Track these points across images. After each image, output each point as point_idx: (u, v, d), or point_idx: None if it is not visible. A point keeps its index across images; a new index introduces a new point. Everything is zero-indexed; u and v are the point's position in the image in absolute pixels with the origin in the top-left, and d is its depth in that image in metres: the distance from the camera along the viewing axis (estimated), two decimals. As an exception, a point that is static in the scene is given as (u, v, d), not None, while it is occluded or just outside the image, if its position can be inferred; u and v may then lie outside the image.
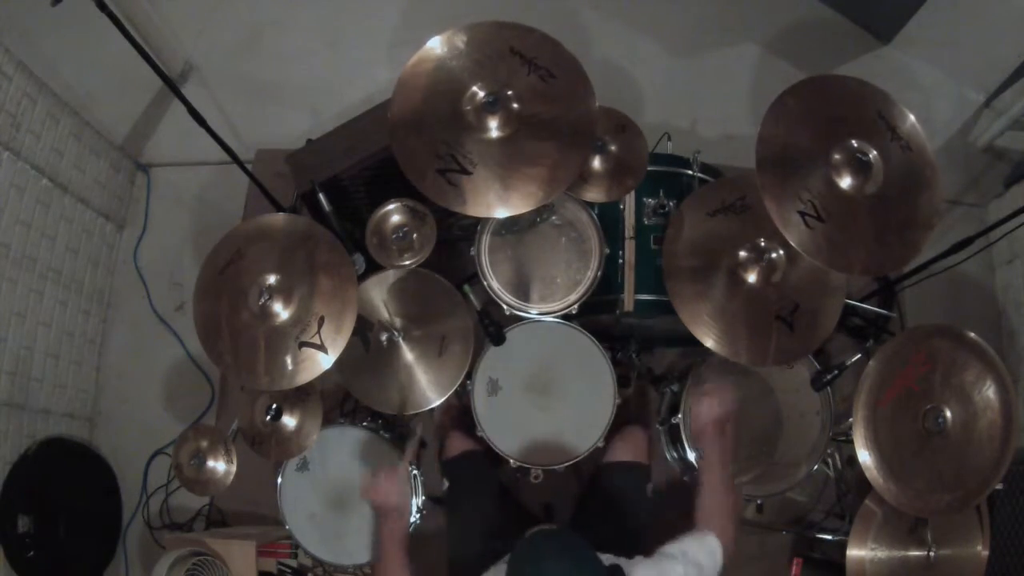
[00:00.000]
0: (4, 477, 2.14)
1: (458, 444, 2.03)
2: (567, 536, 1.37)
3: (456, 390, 1.96)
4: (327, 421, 1.99)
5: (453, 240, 2.28)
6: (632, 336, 2.29)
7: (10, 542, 2.10)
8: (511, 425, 1.94)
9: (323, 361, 1.71)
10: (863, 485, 1.89)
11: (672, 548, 1.47)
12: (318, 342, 1.70)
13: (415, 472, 2.01)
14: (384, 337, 1.95)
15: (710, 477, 1.63)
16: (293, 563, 2.21)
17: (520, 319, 1.99)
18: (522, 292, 1.99)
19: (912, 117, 1.78)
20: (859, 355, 1.93)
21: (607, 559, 1.39)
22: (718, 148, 2.60)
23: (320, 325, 1.71)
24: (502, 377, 1.98)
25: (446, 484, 2.02)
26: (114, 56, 2.32)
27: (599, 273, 1.97)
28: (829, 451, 2.02)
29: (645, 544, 1.49)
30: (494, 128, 1.72)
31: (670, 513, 2.20)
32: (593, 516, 1.99)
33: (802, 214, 1.64)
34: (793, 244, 1.64)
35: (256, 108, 2.88)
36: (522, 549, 1.36)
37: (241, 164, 2.13)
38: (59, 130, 2.42)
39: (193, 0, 3.05)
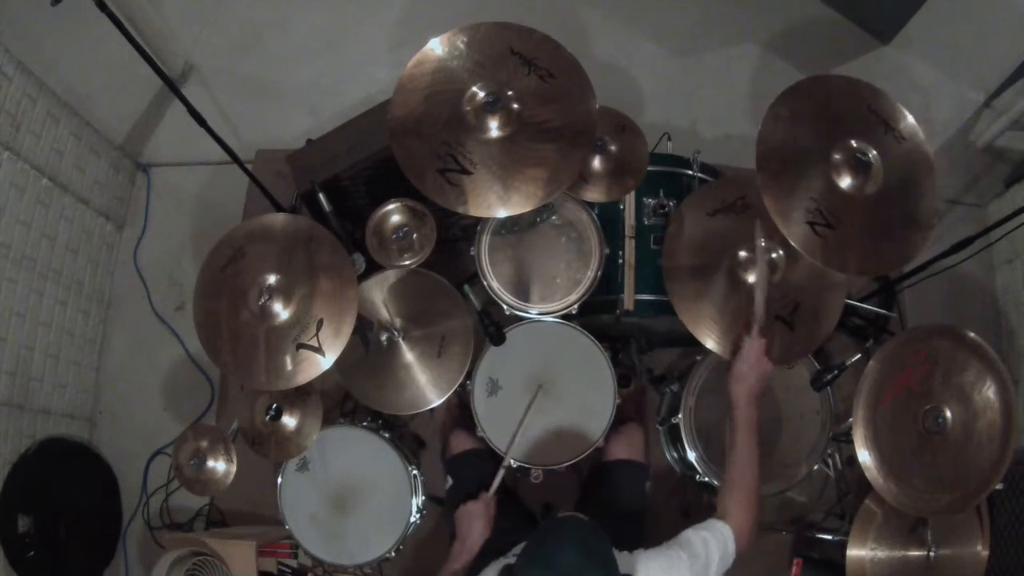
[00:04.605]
0: (4, 477, 2.14)
1: (460, 443, 2.04)
2: (594, 532, 1.35)
3: (456, 390, 1.96)
4: (327, 421, 1.99)
5: (453, 240, 2.28)
6: (632, 336, 2.29)
7: (10, 542, 2.10)
8: (511, 425, 1.94)
9: (321, 363, 1.71)
10: (863, 485, 1.88)
11: (680, 537, 1.46)
12: (316, 344, 1.70)
13: (415, 472, 2.01)
14: (384, 337, 1.95)
15: (737, 451, 1.60)
16: (293, 563, 2.21)
17: (520, 319, 1.99)
18: (522, 292, 1.99)
19: (905, 110, 1.78)
20: (859, 355, 1.93)
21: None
22: (718, 148, 2.60)
23: (319, 327, 1.71)
24: (502, 377, 1.98)
25: (449, 482, 2.02)
26: (114, 56, 2.33)
27: (599, 273, 1.97)
28: (829, 451, 2.02)
29: (643, 540, 1.49)
30: (494, 128, 1.72)
31: (667, 510, 2.25)
32: (593, 512, 1.99)
33: (811, 224, 1.64)
34: (794, 245, 1.64)
35: (256, 108, 2.88)
36: (548, 528, 1.35)
37: (241, 164, 2.13)
38: (59, 130, 2.42)
39: (193, 0, 3.06)
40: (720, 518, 1.50)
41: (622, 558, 1.39)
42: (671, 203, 2.06)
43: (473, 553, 1.71)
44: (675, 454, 2.25)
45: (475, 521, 1.75)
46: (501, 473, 1.85)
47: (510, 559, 1.43)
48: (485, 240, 2.00)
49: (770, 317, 1.84)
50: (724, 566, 1.45)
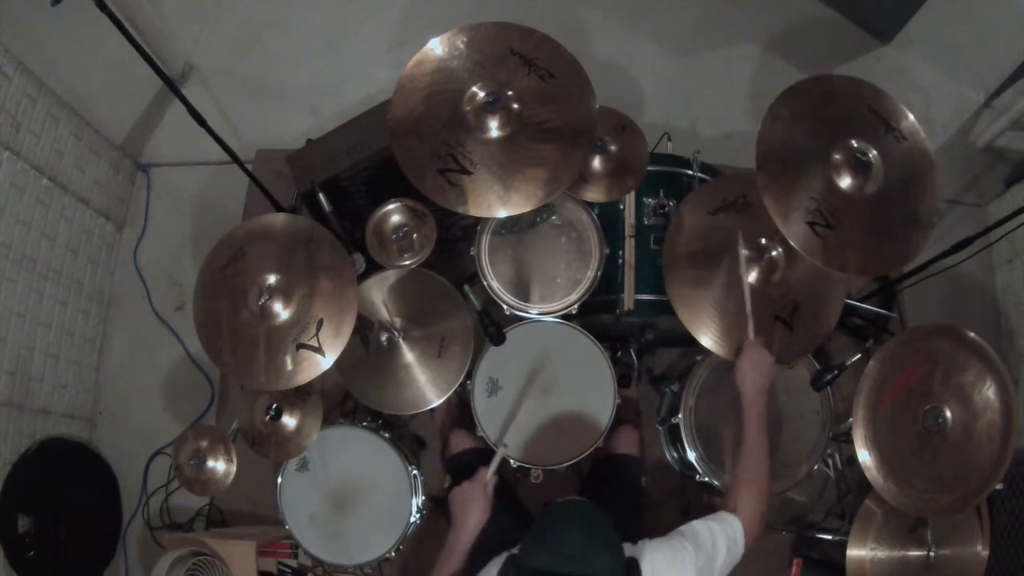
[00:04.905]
0: (4, 477, 2.14)
1: (459, 442, 2.04)
2: (598, 514, 1.35)
3: (456, 390, 1.96)
4: (327, 421, 1.99)
5: (453, 240, 2.28)
6: (632, 336, 2.29)
7: (10, 542, 2.10)
8: (511, 425, 1.94)
9: (321, 363, 1.70)
10: (863, 485, 1.88)
11: (687, 528, 1.46)
12: (316, 344, 1.70)
13: (415, 472, 2.01)
14: (384, 337, 1.95)
15: (747, 443, 1.61)
16: (293, 563, 2.21)
17: (520, 319, 1.99)
18: (522, 292, 1.99)
19: (905, 110, 1.79)
20: (859, 355, 1.93)
21: None
22: (718, 148, 2.60)
23: (319, 327, 1.71)
24: (502, 377, 1.98)
25: (448, 481, 2.02)
26: (114, 56, 2.33)
27: (599, 273, 1.97)
28: (829, 451, 2.02)
29: (642, 535, 1.49)
30: (494, 128, 1.72)
31: (667, 510, 2.25)
32: None
33: (811, 224, 1.64)
34: (794, 245, 1.64)
35: (256, 108, 2.88)
36: (552, 513, 1.35)
37: (241, 164, 2.13)
38: (59, 130, 2.42)
39: (193, 0, 3.06)
40: (731, 511, 1.50)
41: (626, 548, 1.39)
42: (671, 203, 2.06)
43: (470, 543, 1.65)
44: (675, 454, 2.25)
45: (470, 504, 1.65)
46: (499, 456, 1.77)
47: (513, 552, 1.42)
48: (485, 240, 2.00)
49: (769, 317, 1.84)
50: (732, 560, 1.44)
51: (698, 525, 1.46)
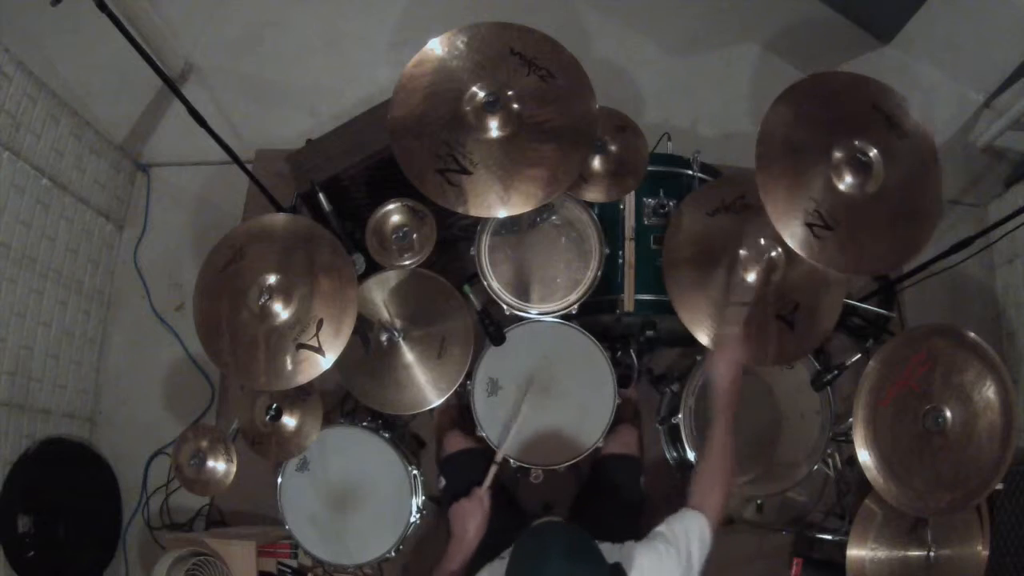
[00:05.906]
0: (4, 477, 2.14)
1: (456, 443, 2.04)
2: (573, 532, 1.35)
3: (456, 390, 1.96)
4: (327, 421, 1.99)
5: (453, 240, 2.28)
6: (632, 336, 2.29)
7: (10, 542, 2.10)
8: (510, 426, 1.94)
9: (321, 363, 1.71)
10: (863, 485, 1.89)
11: (662, 528, 1.48)
12: (316, 344, 1.70)
13: (415, 472, 2.01)
14: (384, 337, 1.95)
15: (716, 440, 1.62)
16: (293, 563, 2.21)
17: (520, 319, 1.99)
18: (522, 292, 1.99)
19: (907, 106, 1.78)
20: (859, 355, 1.93)
21: (604, 548, 1.38)
22: (718, 148, 2.60)
23: (319, 328, 1.71)
24: (502, 377, 1.98)
25: (442, 482, 2.02)
26: (114, 56, 2.33)
27: (599, 273, 1.97)
28: (829, 451, 2.02)
29: (637, 531, 1.50)
30: (494, 128, 1.72)
31: (667, 510, 2.25)
32: (591, 505, 2.03)
33: (810, 225, 1.64)
34: (792, 246, 1.64)
35: (256, 108, 2.88)
36: (527, 542, 1.35)
37: (241, 164, 2.13)
38: (59, 130, 2.42)
39: (193, 0, 3.06)
40: (696, 508, 1.52)
41: (613, 549, 1.39)
42: (671, 203, 2.06)
43: (470, 552, 1.70)
44: (675, 454, 2.25)
45: (469, 519, 1.73)
46: (494, 469, 1.84)
47: (504, 559, 1.43)
48: (485, 240, 2.00)
49: (770, 316, 1.84)
50: (702, 556, 1.47)
51: (675, 527, 1.47)
